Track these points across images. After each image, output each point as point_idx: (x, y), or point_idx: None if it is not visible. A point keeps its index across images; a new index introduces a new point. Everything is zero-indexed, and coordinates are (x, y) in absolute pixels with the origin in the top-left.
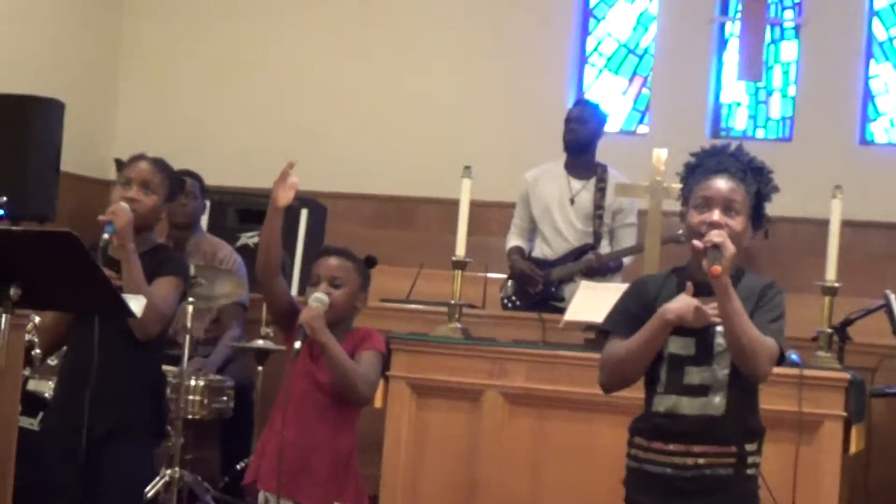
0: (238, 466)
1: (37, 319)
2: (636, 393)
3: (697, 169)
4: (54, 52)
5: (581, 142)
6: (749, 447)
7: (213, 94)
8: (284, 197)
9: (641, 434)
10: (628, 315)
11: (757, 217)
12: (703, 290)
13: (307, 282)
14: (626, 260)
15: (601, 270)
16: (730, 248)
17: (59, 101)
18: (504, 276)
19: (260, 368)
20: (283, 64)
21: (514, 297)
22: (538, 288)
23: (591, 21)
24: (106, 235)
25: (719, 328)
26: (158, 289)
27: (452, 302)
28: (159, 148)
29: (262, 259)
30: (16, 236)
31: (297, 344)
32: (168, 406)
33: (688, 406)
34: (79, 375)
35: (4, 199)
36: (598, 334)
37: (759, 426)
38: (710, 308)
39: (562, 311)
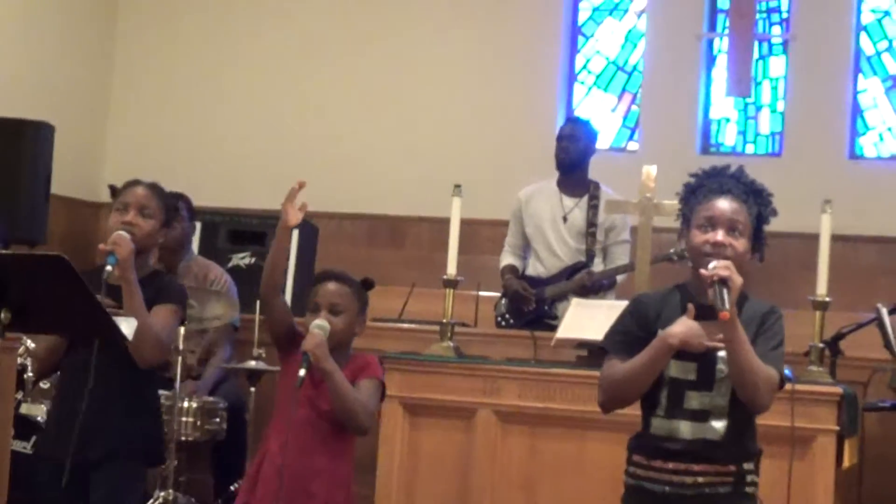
0: (231, 488)
1: (29, 343)
2: (631, 410)
3: (699, 189)
4: (44, 75)
5: (574, 160)
6: (747, 466)
7: (203, 116)
8: (294, 217)
9: (640, 452)
10: (627, 335)
11: (756, 240)
12: (706, 313)
13: (306, 307)
14: (619, 277)
15: (594, 289)
16: (737, 282)
17: (48, 124)
18: (496, 293)
19: (252, 389)
20: (273, 87)
21: (507, 316)
22: (531, 307)
23: (580, 39)
24: (109, 268)
25: (721, 354)
26: (158, 317)
27: (444, 321)
28: (149, 170)
29: (267, 278)
30: (6, 260)
31: (302, 371)
32: (163, 431)
33: (687, 430)
34: (73, 400)
35: None
36: (597, 352)
37: (756, 447)
38: (713, 335)
39: (555, 328)
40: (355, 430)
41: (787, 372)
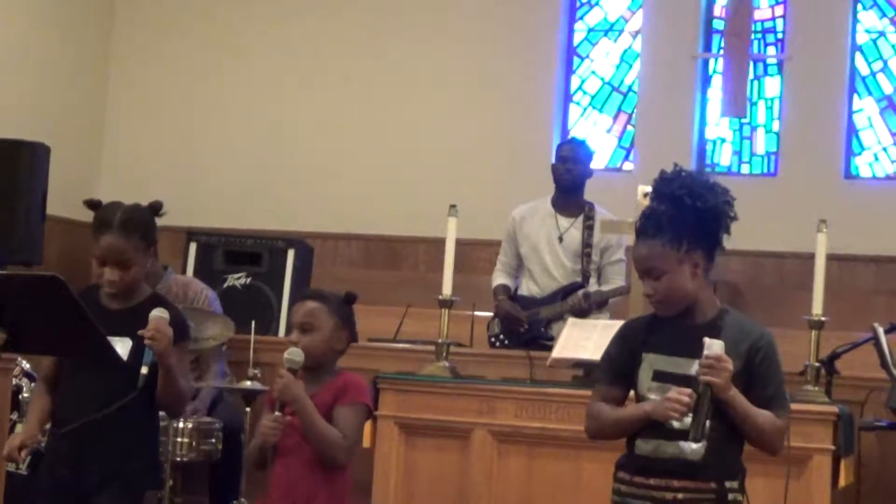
0: None
1: (24, 364)
2: None
3: None
4: (40, 96)
5: (576, 181)
6: (729, 485)
7: (198, 137)
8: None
9: (624, 469)
10: (612, 363)
11: (706, 241)
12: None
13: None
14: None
15: (589, 310)
16: (724, 377)
17: (44, 145)
18: (491, 314)
19: (248, 409)
20: (269, 107)
21: (501, 336)
22: (523, 328)
23: (575, 59)
24: (144, 370)
25: (702, 377)
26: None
27: (440, 341)
28: (144, 190)
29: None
30: (2, 280)
31: (276, 413)
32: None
33: (669, 450)
34: (71, 423)
35: None
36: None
37: (740, 466)
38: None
39: (550, 348)
40: (330, 464)
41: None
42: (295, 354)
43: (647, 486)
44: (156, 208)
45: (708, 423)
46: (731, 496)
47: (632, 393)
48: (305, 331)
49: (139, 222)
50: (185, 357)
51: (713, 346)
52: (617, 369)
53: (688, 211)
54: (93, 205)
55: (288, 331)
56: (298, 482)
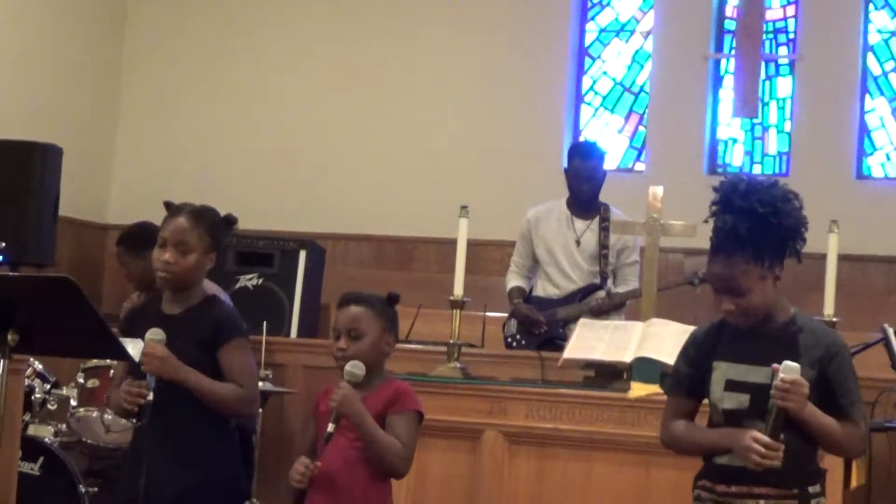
0: None
1: (37, 365)
2: (635, 430)
3: (712, 223)
4: (52, 97)
5: (594, 195)
6: (812, 489)
7: (211, 138)
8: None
9: (706, 478)
10: (677, 375)
11: (784, 253)
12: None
13: (308, 334)
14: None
15: (609, 310)
16: (798, 401)
17: (56, 147)
18: (503, 314)
19: (259, 411)
20: (281, 109)
21: (518, 336)
22: (542, 330)
23: (587, 60)
24: (150, 396)
25: (775, 381)
26: (235, 363)
27: (451, 341)
28: (156, 192)
29: None
30: (14, 281)
31: (331, 427)
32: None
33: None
34: (141, 442)
35: (3, 244)
36: (604, 372)
37: (818, 469)
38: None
39: (563, 349)
40: (390, 475)
41: None
42: (357, 367)
43: (729, 494)
44: (230, 220)
45: (782, 436)
46: (814, 501)
47: (705, 401)
48: (353, 337)
49: (210, 218)
50: (247, 356)
51: (789, 370)
52: (687, 381)
53: (771, 228)
54: (170, 206)
55: (300, 331)
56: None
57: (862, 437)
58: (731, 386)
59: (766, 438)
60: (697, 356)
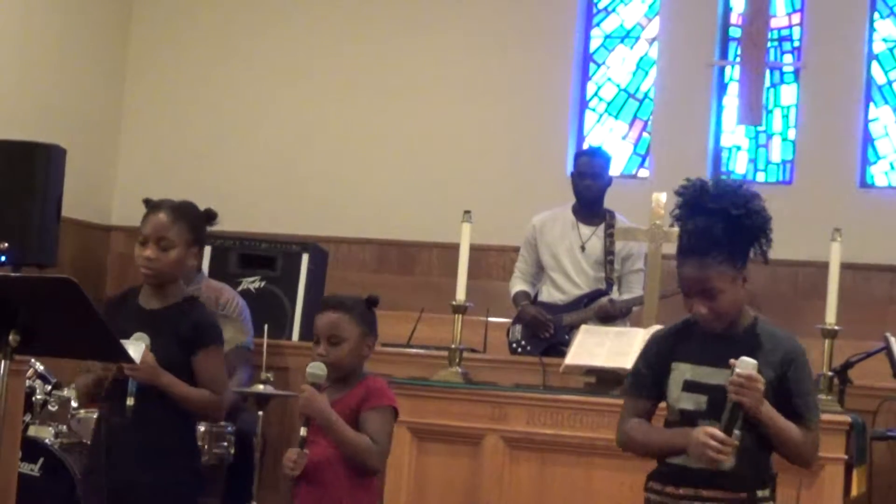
0: None
1: (38, 366)
2: None
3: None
4: (56, 98)
5: (598, 196)
6: (761, 493)
7: (213, 141)
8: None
9: (655, 479)
10: (637, 375)
11: (747, 256)
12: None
13: (310, 337)
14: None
15: (614, 316)
16: (754, 396)
17: (60, 147)
18: (505, 319)
19: (260, 413)
20: (284, 112)
21: (522, 342)
22: (549, 332)
23: (592, 66)
24: (130, 401)
25: (733, 396)
26: (211, 369)
27: (453, 346)
28: (160, 193)
29: None
30: (16, 282)
31: (303, 431)
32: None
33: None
34: (106, 440)
35: (6, 244)
36: (605, 379)
37: (770, 474)
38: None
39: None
40: (366, 471)
41: None
42: (317, 368)
43: (676, 496)
44: (210, 215)
45: (737, 432)
46: None
47: (662, 403)
48: (333, 343)
49: (190, 214)
50: (215, 361)
51: (745, 365)
52: (645, 381)
53: (743, 229)
54: (149, 203)
55: (303, 336)
56: (335, 492)
57: (814, 444)
58: (689, 387)
59: (719, 433)
60: (656, 357)
